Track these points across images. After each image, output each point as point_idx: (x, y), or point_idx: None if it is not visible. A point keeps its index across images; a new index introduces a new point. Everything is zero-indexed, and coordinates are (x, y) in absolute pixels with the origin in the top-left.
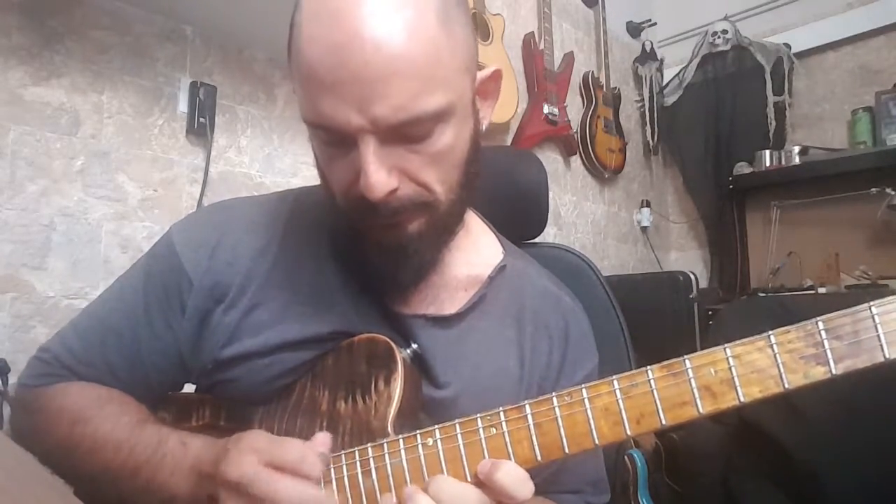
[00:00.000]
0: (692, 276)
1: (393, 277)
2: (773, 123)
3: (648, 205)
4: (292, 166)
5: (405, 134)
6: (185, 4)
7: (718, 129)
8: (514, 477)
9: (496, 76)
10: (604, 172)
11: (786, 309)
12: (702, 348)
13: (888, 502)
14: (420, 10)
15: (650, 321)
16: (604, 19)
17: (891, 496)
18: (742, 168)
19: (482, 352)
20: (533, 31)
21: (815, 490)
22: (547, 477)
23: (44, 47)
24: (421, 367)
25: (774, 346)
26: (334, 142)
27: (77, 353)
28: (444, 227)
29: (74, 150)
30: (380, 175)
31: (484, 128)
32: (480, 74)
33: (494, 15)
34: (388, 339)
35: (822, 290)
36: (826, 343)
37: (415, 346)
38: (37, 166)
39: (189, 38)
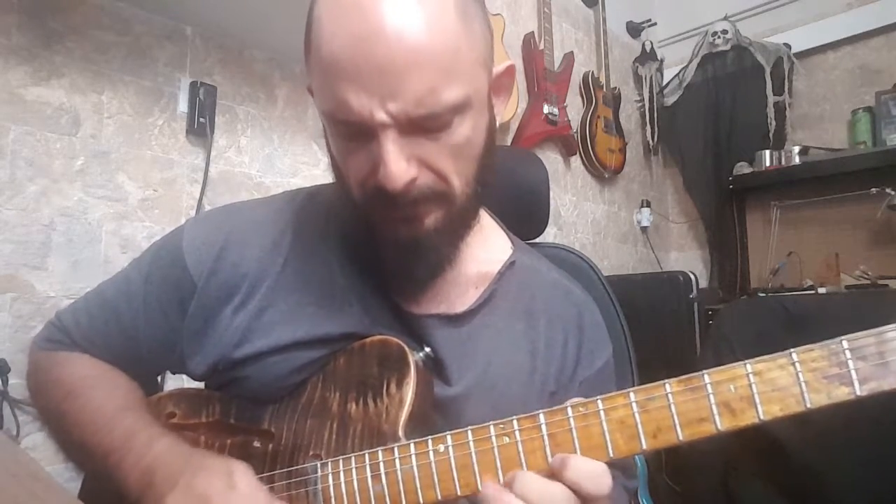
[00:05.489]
0: (692, 276)
1: (408, 274)
2: (773, 123)
3: (648, 205)
4: (292, 166)
5: (424, 126)
6: (185, 4)
7: (718, 129)
8: (585, 472)
9: (510, 71)
10: (604, 172)
11: (786, 309)
12: (702, 348)
13: (888, 502)
14: (440, 4)
15: (650, 321)
16: (604, 19)
17: (891, 496)
18: (742, 168)
19: (492, 348)
20: (533, 31)
21: (815, 490)
22: None
23: (44, 47)
24: (433, 368)
25: (797, 365)
26: (353, 134)
27: (83, 327)
28: (461, 222)
29: (74, 150)
30: (399, 165)
31: (498, 123)
32: (495, 70)
33: (494, 15)
34: (400, 342)
35: (822, 290)
36: (851, 363)
37: (428, 349)
38: (37, 166)
39: (189, 38)
